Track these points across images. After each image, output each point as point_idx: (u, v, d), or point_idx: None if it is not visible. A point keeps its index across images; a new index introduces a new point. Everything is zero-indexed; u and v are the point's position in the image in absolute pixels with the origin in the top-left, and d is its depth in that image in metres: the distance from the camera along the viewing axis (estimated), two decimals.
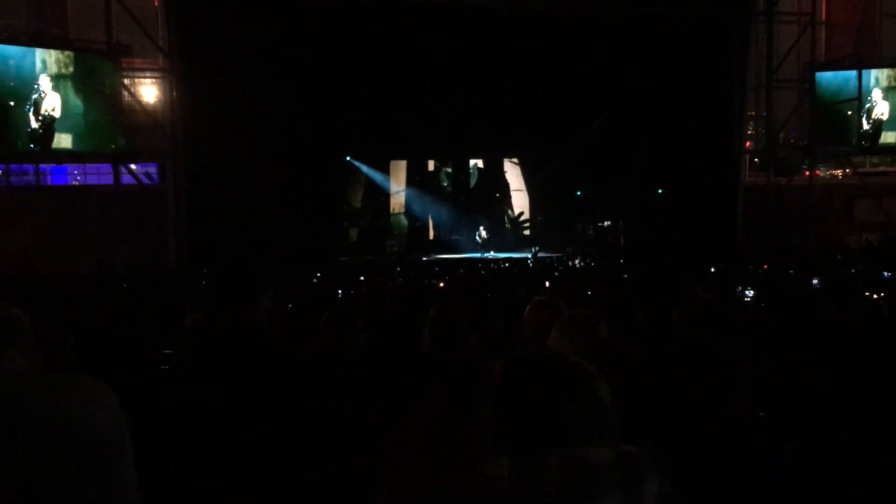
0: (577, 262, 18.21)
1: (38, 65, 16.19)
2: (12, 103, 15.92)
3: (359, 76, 19.11)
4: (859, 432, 2.75)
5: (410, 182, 26.16)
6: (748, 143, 23.20)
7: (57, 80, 16.41)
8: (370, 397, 1.37)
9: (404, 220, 26.40)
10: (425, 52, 18.76)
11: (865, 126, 20.68)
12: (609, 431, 1.43)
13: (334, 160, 22.66)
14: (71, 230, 18.10)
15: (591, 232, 24.08)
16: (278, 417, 2.60)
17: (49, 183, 20.19)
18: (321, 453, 2.39)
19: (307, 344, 3.50)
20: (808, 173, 21.74)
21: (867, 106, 20.60)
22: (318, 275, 13.64)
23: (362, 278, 11.60)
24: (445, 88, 19.78)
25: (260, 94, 18.02)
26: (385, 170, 25.32)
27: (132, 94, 18.08)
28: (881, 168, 23.71)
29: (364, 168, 24.70)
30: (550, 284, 8.99)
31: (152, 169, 20.17)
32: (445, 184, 26.84)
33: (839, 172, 24.21)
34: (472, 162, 26.80)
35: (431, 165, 26.58)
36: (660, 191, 22.21)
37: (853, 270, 11.01)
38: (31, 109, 16.09)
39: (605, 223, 23.68)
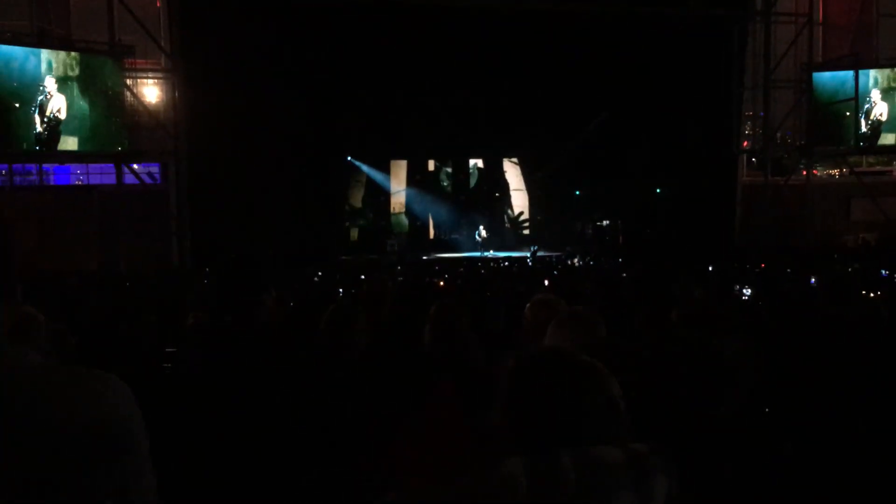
0: (576, 261, 18.25)
1: (44, 66, 16.17)
2: (17, 105, 15.88)
3: (359, 76, 19.14)
4: (858, 431, 2.76)
5: (411, 182, 26.16)
6: (746, 143, 23.22)
7: (63, 81, 16.41)
8: (378, 398, 1.37)
9: (405, 220, 26.40)
10: (426, 52, 18.79)
11: (864, 127, 20.68)
12: (620, 430, 1.42)
13: (335, 160, 22.67)
14: (74, 230, 18.15)
15: (590, 231, 24.08)
16: (280, 416, 2.60)
17: (52, 183, 20.24)
18: (322, 453, 2.41)
19: (308, 342, 3.52)
20: (805, 173, 21.78)
21: (866, 107, 20.59)
22: (319, 273, 13.67)
23: (363, 277, 11.64)
24: (446, 88, 19.80)
25: (261, 95, 18.07)
26: (385, 169, 25.32)
27: (135, 95, 18.12)
28: (878, 167, 23.75)
29: (364, 168, 24.71)
30: (549, 283, 9.03)
31: (154, 169, 20.20)
32: (445, 183, 26.84)
33: (836, 172, 24.25)
34: (471, 162, 26.80)
35: (432, 165, 26.57)
36: (658, 190, 22.24)
37: (850, 269, 11.03)
38: (37, 111, 16.07)
39: (604, 222, 23.67)
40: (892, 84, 20.64)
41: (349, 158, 23.95)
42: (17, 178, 18.88)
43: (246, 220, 17.93)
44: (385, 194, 25.58)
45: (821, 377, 3.30)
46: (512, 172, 27.10)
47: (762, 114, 22.10)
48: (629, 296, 6.79)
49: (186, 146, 18.97)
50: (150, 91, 19.66)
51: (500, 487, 1.21)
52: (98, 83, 16.98)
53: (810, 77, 20.84)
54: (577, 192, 23.74)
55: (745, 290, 7.88)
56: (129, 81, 17.89)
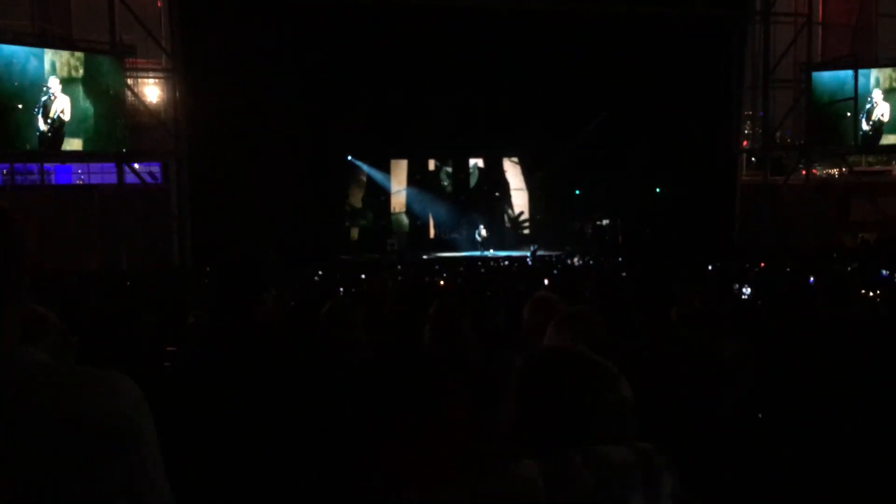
0: (576, 260, 18.26)
1: (47, 67, 16.16)
2: (20, 105, 15.86)
3: (360, 76, 19.15)
4: (858, 431, 2.75)
5: (411, 181, 26.12)
6: (745, 143, 23.26)
7: (66, 82, 16.39)
8: (381, 398, 1.36)
9: (405, 219, 26.37)
10: (426, 51, 18.82)
11: (865, 127, 20.66)
12: (629, 430, 1.41)
13: (335, 159, 22.67)
14: (75, 229, 18.17)
15: (589, 230, 24.04)
16: (280, 416, 2.62)
17: (53, 182, 20.24)
18: (323, 453, 2.42)
19: (308, 340, 3.53)
20: (804, 172, 21.79)
21: (867, 107, 20.57)
22: (320, 273, 13.69)
23: (363, 277, 11.66)
24: (446, 88, 19.79)
25: (262, 94, 18.11)
26: (386, 169, 25.29)
27: (136, 94, 18.15)
28: (877, 167, 23.76)
29: (365, 167, 24.69)
30: (549, 282, 9.06)
31: (155, 168, 20.21)
32: (446, 183, 26.79)
33: (835, 171, 24.26)
34: (472, 161, 26.77)
35: (432, 165, 26.52)
36: (658, 190, 22.25)
37: (849, 269, 11.03)
38: (41, 112, 16.04)
39: (604, 222, 23.65)
40: (894, 84, 20.62)
41: (349, 158, 23.92)
42: (19, 178, 18.88)
43: (246, 219, 17.95)
44: (385, 194, 25.55)
45: (820, 377, 3.30)
46: (512, 172, 27.06)
47: (761, 113, 22.14)
48: (629, 296, 6.80)
49: (187, 146, 19.01)
50: (151, 91, 19.69)
51: (518, 490, 1.21)
52: (101, 83, 16.99)
53: (809, 77, 20.86)
54: (577, 192, 23.72)
55: (744, 289, 7.90)
56: (129, 81, 17.94)
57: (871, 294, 6.70)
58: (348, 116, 20.09)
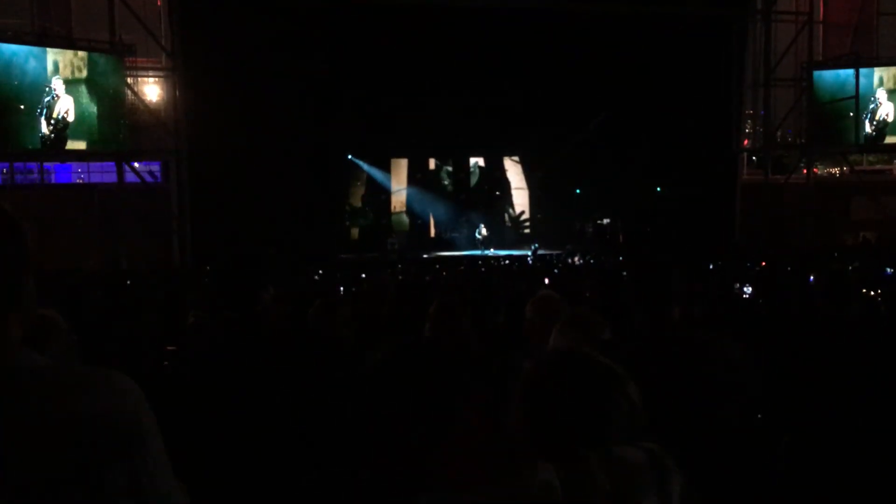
0: (576, 259, 18.27)
1: (50, 67, 16.13)
2: (22, 107, 15.82)
3: (360, 75, 19.14)
4: (858, 430, 2.76)
5: (411, 180, 26.11)
6: (746, 142, 23.24)
7: (70, 83, 16.35)
8: (383, 397, 1.35)
9: (405, 218, 26.36)
10: (426, 50, 18.82)
11: (869, 128, 20.62)
12: (638, 431, 1.42)
13: (335, 158, 22.67)
14: (75, 228, 18.15)
15: (590, 229, 24.04)
16: (280, 416, 2.62)
17: (53, 181, 20.23)
18: (323, 453, 2.41)
19: (298, 336, 3.53)
20: (805, 171, 21.77)
21: (871, 107, 20.53)
22: (320, 272, 13.69)
23: (364, 276, 11.66)
24: (446, 87, 19.80)
25: (262, 93, 18.12)
26: (386, 168, 25.28)
27: (136, 94, 18.15)
28: (878, 166, 23.74)
29: (365, 166, 24.68)
30: (550, 282, 9.05)
31: (156, 167, 20.21)
32: (446, 182, 26.80)
33: (836, 170, 24.24)
34: (472, 160, 26.78)
35: (432, 164, 26.52)
36: (658, 189, 22.25)
37: (850, 268, 11.03)
38: (44, 113, 15.99)
39: (605, 221, 23.67)
40: None
41: (349, 157, 23.93)
42: (18, 177, 18.87)
43: (247, 218, 17.98)
44: (386, 193, 25.53)
45: (820, 375, 3.30)
46: (513, 171, 27.06)
47: (762, 112, 22.12)
48: (629, 295, 6.78)
49: (187, 145, 19.01)
50: (151, 90, 19.69)
51: (536, 493, 1.21)
52: (103, 84, 17.00)
53: (811, 75, 20.84)
54: (578, 191, 23.72)
55: (745, 288, 7.89)
56: (129, 80, 17.95)
57: (873, 293, 6.68)
58: (348, 115, 20.08)
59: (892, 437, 2.66)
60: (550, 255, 20.69)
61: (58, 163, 18.96)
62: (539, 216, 26.05)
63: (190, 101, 18.79)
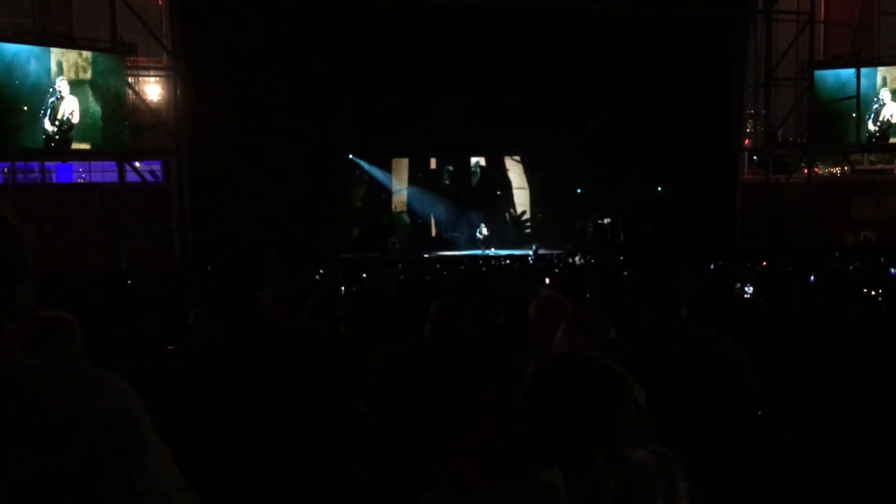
0: (577, 258, 18.27)
1: (54, 68, 16.11)
2: (25, 108, 15.80)
3: (361, 75, 19.15)
4: (858, 429, 2.76)
5: (412, 180, 26.12)
6: (747, 141, 23.23)
7: (74, 84, 16.34)
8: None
9: (406, 218, 26.36)
10: (427, 50, 18.83)
11: (873, 128, 20.57)
12: (645, 434, 1.42)
13: (336, 158, 22.68)
14: (76, 228, 18.17)
15: (591, 229, 24.05)
16: (280, 415, 2.62)
17: (54, 181, 20.23)
18: (323, 453, 2.41)
19: (291, 333, 3.53)
20: (806, 171, 21.76)
21: (874, 107, 20.49)
22: (321, 272, 13.68)
23: (364, 275, 11.66)
24: (447, 87, 19.81)
25: (263, 93, 18.14)
26: (387, 168, 25.29)
27: (137, 93, 18.17)
28: (879, 165, 23.72)
29: (366, 166, 24.69)
30: (550, 281, 9.05)
31: (156, 167, 20.22)
32: (447, 182, 26.82)
33: (837, 170, 24.22)
34: (473, 160, 26.79)
35: (433, 163, 26.54)
36: (659, 188, 22.25)
37: (851, 267, 11.03)
38: (49, 114, 15.96)
39: (605, 220, 23.68)
40: None
41: (350, 156, 23.94)
42: (19, 177, 18.87)
43: (247, 218, 17.98)
44: (386, 192, 25.55)
45: (820, 375, 3.30)
46: (514, 170, 27.07)
47: (763, 112, 22.10)
48: (630, 294, 6.78)
49: (188, 144, 19.04)
50: (152, 89, 19.70)
51: (540, 494, 1.21)
52: (106, 84, 17.00)
53: (812, 75, 20.82)
54: (579, 191, 23.73)
55: (746, 288, 7.89)
56: (130, 80, 17.96)
57: (874, 293, 6.68)
58: (349, 115, 20.10)
59: (892, 436, 2.66)
60: (551, 254, 20.70)
61: (59, 162, 18.95)
62: (540, 216, 26.05)
63: (191, 101, 18.81)
